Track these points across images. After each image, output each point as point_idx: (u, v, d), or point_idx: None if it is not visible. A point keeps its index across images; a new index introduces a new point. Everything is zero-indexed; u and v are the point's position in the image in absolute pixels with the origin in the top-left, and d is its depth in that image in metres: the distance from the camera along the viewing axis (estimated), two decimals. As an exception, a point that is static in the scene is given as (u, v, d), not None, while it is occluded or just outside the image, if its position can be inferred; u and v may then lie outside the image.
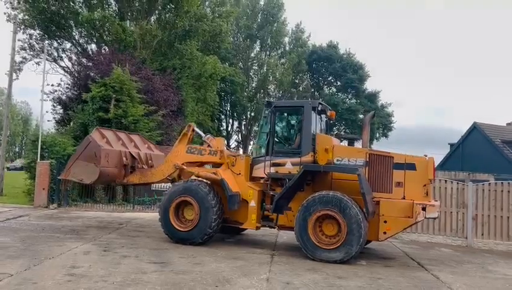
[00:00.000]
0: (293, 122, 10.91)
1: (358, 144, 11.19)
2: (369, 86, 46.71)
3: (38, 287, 6.34)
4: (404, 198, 9.22)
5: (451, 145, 42.01)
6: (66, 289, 6.30)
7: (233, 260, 8.78)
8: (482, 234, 12.41)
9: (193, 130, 11.43)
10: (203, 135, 11.58)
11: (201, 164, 11.31)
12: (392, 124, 46.70)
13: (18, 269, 7.23)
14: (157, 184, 19.04)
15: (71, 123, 20.50)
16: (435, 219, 10.08)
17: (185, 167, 10.94)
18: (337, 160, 9.70)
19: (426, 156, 9.55)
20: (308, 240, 9.13)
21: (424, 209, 8.97)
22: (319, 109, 10.36)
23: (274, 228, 10.44)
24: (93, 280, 6.78)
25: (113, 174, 11.52)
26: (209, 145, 11.14)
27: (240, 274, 7.68)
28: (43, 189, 16.71)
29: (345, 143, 11.30)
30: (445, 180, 13.03)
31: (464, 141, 39.54)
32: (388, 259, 10.00)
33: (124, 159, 11.73)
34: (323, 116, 10.90)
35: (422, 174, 9.26)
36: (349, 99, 46.39)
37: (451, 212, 12.60)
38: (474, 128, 38.68)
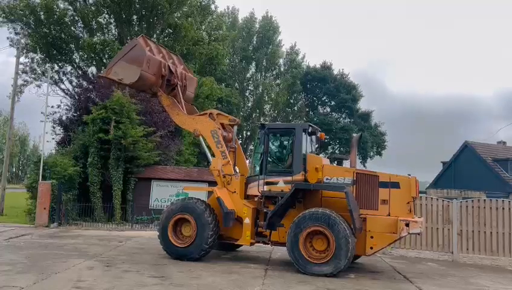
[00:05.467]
0: (285, 143, 11.56)
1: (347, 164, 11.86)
2: (362, 105, 47.69)
3: (48, 298, 6.87)
4: (389, 215, 9.84)
5: (444, 163, 42.76)
6: (74, 300, 6.83)
7: (228, 274, 9.30)
8: (467, 249, 12.98)
9: (234, 125, 12.02)
10: (235, 138, 12.11)
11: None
12: (386, 143, 47.44)
13: (28, 283, 7.74)
14: (155, 203, 19.68)
15: (71, 144, 21.03)
16: (418, 234, 10.65)
17: (201, 140, 11.81)
18: (327, 179, 10.35)
19: (410, 175, 10.24)
20: (300, 255, 9.68)
21: (407, 225, 9.56)
22: (309, 130, 11.05)
23: (267, 244, 10.97)
24: (98, 292, 7.31)
25: (151, 80, 11.81)
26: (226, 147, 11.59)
27: (235, 286, 8.21)
28: (44, 208, 17.11)
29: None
30: (431, 198, 13.67)
31: (455, 160, 40.27)
32: (376, 273, 10.53)
33: (163, 70, 12.02)
34: (313, 137, 11.58)
35: (406, 192, 9.90)
36: (343, 118, 47.16)
37: (437, 228, 13.19)
38: (466, 147, 39.47)
